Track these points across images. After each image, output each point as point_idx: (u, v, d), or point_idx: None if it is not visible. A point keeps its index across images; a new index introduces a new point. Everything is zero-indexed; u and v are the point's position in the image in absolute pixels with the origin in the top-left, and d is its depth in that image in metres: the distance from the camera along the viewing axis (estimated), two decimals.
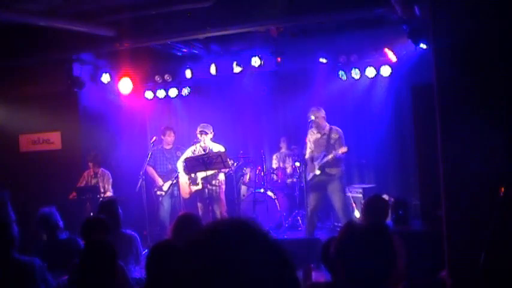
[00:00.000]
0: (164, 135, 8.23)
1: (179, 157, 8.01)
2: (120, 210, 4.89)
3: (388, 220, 4.86)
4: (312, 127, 7.21)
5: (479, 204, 3.31)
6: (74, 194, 8.17)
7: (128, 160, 8.69)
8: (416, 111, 7.44)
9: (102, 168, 8.54)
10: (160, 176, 8.22)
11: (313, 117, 7.13)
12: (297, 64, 8.37)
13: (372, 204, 4.42)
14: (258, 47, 8.18)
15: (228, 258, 1.02)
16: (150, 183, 8.19)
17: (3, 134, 9.45)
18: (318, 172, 7.15)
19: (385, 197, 6.38)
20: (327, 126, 7.19)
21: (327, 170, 7.12)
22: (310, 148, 7.29)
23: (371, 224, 2.17)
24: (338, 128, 7.20)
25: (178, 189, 8.12)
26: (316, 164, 7.17)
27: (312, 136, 7.27)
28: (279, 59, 8.04)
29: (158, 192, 8.06)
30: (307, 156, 7.29)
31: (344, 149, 6.95)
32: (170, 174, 8.08)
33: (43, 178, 8.87)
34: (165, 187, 8.06)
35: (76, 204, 7.97)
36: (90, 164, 8.44)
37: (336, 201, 7.16)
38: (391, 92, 8.43)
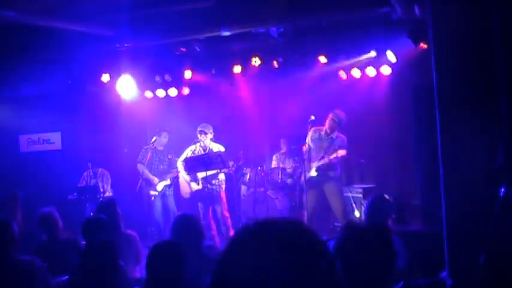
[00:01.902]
0: (160, 136, 8.08)
1: (170, 159, 8.00)
2: (119, 210, 4.89)
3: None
4: (314, 126, 7.25)
5: (479, 205, 3.31)
6: (74, 194, 8.18)
7: (127, 160, 8.68)
8: (417, 111, 7.44)
9: (101, 168, 8.55)
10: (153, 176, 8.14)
11: (313, 117, 7.21)
12: (297, 64, 8.37)
13: (375, 205, 4.42)
14: (259, 46, 8.19)
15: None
16: (146, 183, 8.10)
17: (3, 134, 9.46)
18: (314, 174, 7.18)
19: (386, 197, 6.37)
20: (335, 133, 7.22)
21: (325, 172, 7.17)
22: (308, 147, 7.30)
23: (371, 225, 2.17)
24: (343, 136, 7.24)
25: (175, 189, 8.11)
26: (314, 165, 7.19)
27: (316, 136, 7.28)
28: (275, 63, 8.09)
29: (152, 192, 7.98)
30: (305, 156, 7.32)
31: (342, 152, 6.99)
32: (162, 175, 8.02)
33: (43, 178, 8.88)
34: (159, 187, 7.99)
35: (76, 204, 7.98)
36: (89, 164, 8.45)
37: (335, 203, 7.19)
38: (391, 92, 8.43)
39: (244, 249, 1.06)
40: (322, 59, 8.12)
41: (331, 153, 7.06)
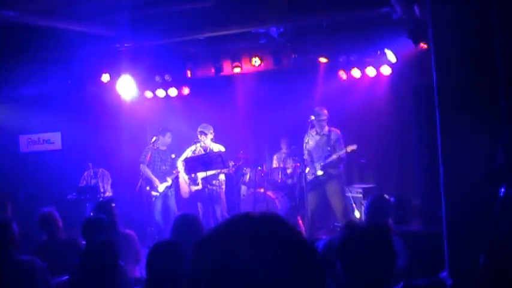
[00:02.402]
0: (164, 136, 8.00)
1: (174, 159, 7.98)
2: (116, 210, 4.87)
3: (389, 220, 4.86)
4: (312, 128, 7.25)
5: (479, 205, 3.31)
6: (73, 194, 8.18)
7: (127, 160, 8.68)
8: (417, 111, 7.43)
9: (102, 168, 8.55)
10: (154, 176, 8.10)
11: (313, 117, 7.20)
12: (297, 64, 8.37)
13: (375, 204, 4.42)
14: (259, 46, 8.19)
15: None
16: (147, 183, 8.08)
17: (3, 134, 9.46)
18: (320, 173, 7.16)
19: (386, 196, 6.37)
20: (326, 127, 7.24)
21: (328, 170, 7.17)
22: (307, 149, 7.31)
23: (371, 224, 2.18)
24: (336, 129, 7.26)
25: (175, 190, 8.09)
26: (318, 164, 7.19)
27: (311, 137, 7.30)
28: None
29: (153, 193, 7.96)
30: (305, 157, 7.33)
31: (353, 147, 7.00)
32: (164, 175, 7.99)
33: (43, 178, 8.88)
34: (161, 188, 7.93)
35: (76, 204, 7.98)
36: (90, 164, 8.44)
37: (336, 203, 7.19)
38: (391, 92, 8.43)
39: (225, 241, 1.04)
40: (322, 59, 8.12)
41: (334, 149, 7.08)
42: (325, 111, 7.21)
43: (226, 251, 1.01)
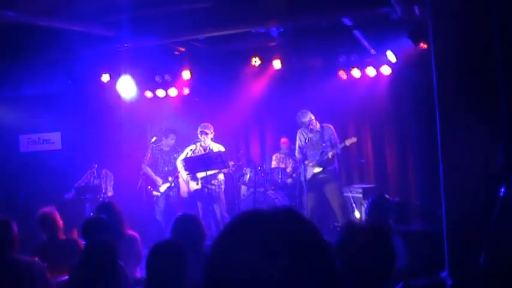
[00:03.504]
0: (167, 138, 8.05)
1: (175, 159, 7.99)
2: (120, 212, 4.87)
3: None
4: (302, 127, 7.33)
5: (479, 204, 3.31)
6: (72, 192, 8.19)
7: (128, 160, 8.68)
8: (417, 111, 7.45)
9: (105, 169, 8.55)
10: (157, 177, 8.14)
11: (313, 117, 7.25)
12: (297, 64, 8.36)
13: (376, 204, 4.43)
14: (259, 46, 8.19)
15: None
16: (149, 183, 8.13)
17: (3, 134, 9.46)
18: (319, 170, 7.19)
19: (386, 196, 6.38)
20: (318, 124, 7.31)
21: (324, 166, 7.23)
22: (300, 147, 7.37)
23: (371, 224, 2.18)
24: (329, 125, 7.33)
25: (177, 190, 8.10)
26: (315, 162, 7.22)
27: (304, 135, 7.35)
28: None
29: (154, 193, 7.99)
30: (298, 157, 7.40)
31: (353, 139, 7.04)
32: (167, 176, 8.01)
33: (43, 178, 8.88)
34: (162, 189, 7.97)
35: (76, 204, 7.98)
36: (95, 165, 8.43)
37: (334, 201, 7.22)
38: (391, 92, 8.43)
39: (239, 240, 1.01)
40: (322, 59, 8.13)
41: (331, 143, 7.13)
42: (307, 112, 7.28)
43: (235, 252, 0.99)
